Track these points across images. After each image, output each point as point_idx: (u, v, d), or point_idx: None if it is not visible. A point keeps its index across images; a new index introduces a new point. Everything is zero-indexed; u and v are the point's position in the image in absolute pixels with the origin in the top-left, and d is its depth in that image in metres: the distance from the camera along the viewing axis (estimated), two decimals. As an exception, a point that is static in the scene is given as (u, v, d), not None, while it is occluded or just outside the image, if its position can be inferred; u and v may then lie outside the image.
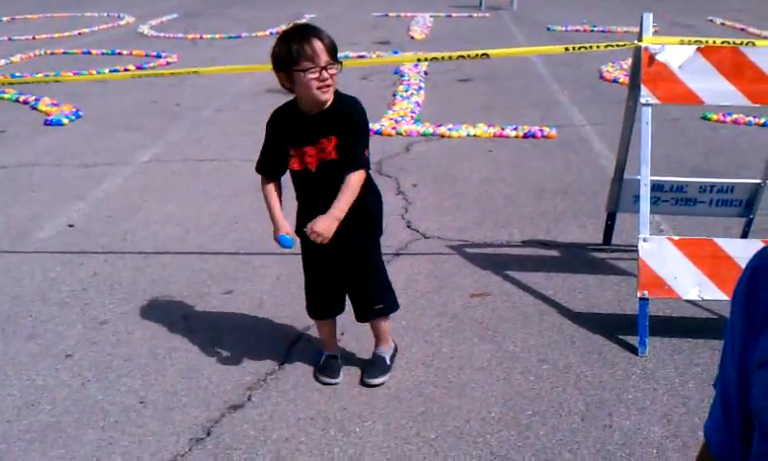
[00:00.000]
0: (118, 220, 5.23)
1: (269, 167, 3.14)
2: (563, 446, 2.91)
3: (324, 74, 2.88)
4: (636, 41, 3.87)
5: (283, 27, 14.35)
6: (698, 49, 3.71)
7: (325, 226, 2.94)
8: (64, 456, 2.88)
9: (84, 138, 7.27)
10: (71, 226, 5.14)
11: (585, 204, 5.44)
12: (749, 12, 15.64)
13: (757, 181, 4.32)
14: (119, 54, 11.71)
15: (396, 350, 3.45)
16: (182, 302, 4.07)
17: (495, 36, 13.54)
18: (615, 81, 9.54)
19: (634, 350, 3.54)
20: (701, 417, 3.06)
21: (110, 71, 9.87)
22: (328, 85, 2.92)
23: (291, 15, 16.35)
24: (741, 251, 3.57)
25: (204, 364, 3.47)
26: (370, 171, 3.09)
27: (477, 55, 4.04)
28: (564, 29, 14.17)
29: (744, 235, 4.40)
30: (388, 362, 3.36)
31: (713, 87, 3.70)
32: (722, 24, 14.41)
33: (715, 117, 7.59)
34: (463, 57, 4.04)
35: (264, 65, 3.65)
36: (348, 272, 3.21)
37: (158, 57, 11.29)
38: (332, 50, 2.91)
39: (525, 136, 7.12)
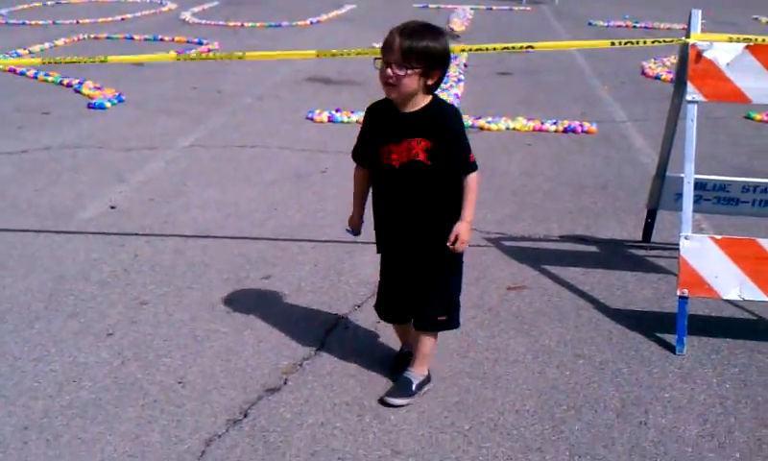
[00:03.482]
0: (159, 203, 5.30)
1: (361, 156, 3.12)
2: (597, 441, 2.90)
3: (388, 71, 2.83)
4: (683, 38, 3.83)
5: (323, 17, 14.54)
6: (747, 47, 3.67)
7: (467, 233, 2.97)
8: (104, 432, 2.93)
9: (126, 122, 7.37)
10: (113, 207, 5.22)
11: (624, 200, 5.40)
12: (796, 12, 15.36)
13: (802, 182, 4.27)
14: (161, 40, 11.85)
15: (428, 380, 3.20)
16: (222, 285, 4.11)
17: (537, 30, 13.45)
18: (657, 77, 9.46)
19: (671, 348, 3.51)
20: (737, 417, 3.04)
21: (153, 56, 9.98)
22: (390, 85, 2.86)
23: (331, 5, 16.39)
24: (784, 252, 3.52)
25: (242, 347, 3.52)
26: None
27: (522, 47, 4.02)
28: (605, 25, 14.05)
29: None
30: (413, 388, 3.13)
31: (761, 86, 3.66)
32: (768, 23, 14.19)
33: (759, 117, 7.49)
34: (507, 48, 4.03)
35: (306, 52, 3.66)
36: (426, 272, 3.06)
37: (200, 44, 11.41)
38: (409, 52, 2.81)
39: (565, 131, 7.08)
